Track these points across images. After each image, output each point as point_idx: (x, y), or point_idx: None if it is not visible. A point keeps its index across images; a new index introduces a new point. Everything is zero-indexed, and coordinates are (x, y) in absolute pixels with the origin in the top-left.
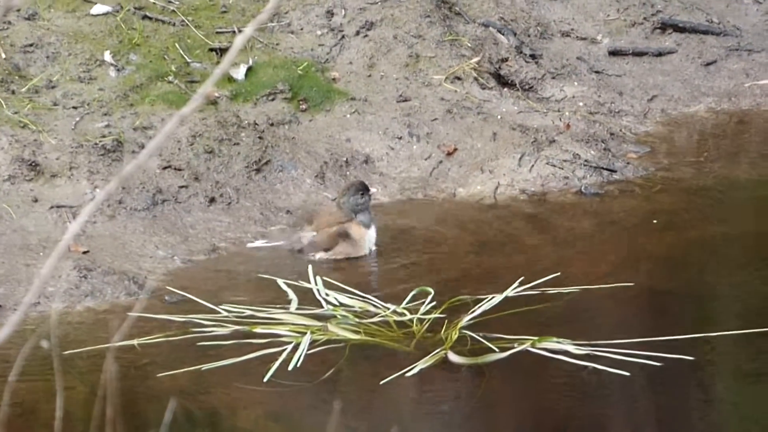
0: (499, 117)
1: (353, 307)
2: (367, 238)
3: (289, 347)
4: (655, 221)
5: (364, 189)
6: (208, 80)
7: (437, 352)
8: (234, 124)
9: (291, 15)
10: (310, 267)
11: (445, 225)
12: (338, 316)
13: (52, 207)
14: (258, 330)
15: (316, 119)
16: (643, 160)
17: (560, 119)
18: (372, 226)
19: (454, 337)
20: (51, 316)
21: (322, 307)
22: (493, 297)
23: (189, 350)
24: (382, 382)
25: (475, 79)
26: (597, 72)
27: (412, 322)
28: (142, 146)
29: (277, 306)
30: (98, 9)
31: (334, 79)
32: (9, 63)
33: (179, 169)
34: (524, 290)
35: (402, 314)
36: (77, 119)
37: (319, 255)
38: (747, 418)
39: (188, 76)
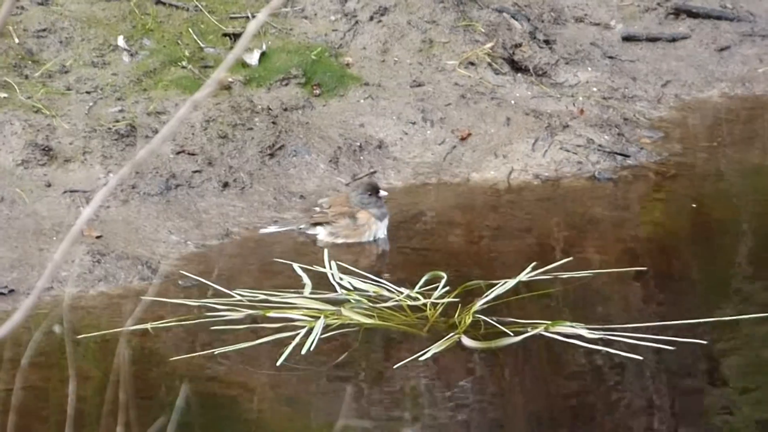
0: (512, 102)
1: (367, 291)
2: (373, 227)
3: (303, 331)
4: (667, 206)
5: (372, 190)
6: (222, 65)
7: (451, 337)
8: (248, 109)
9: (305, 0)
10: (326, 251)
11: (459, 210)
12: (352, 301)
13: (65, 192)
14: (271, 314)
15: (330, 104)
16: (657, 146)
17: (574, 104)
18: (385, 219)
19: (468, 321)
20: (64, 301)
21: (336, 291)
22: (506, 281)
23: (202, 334)
24: (395, 366)
25: (489, 64)
26: (611, 57)
27: (426, 306)
28: (156, 131)
29: (291, 290)
30: None
31: (347, 65)
32: (22, 48)
33: (193, 154)
34: (537, 275)
35: (415, 299)
36: (90, 104)
37: (321, 236)
38: (760, 402)
39: (202, 61)
